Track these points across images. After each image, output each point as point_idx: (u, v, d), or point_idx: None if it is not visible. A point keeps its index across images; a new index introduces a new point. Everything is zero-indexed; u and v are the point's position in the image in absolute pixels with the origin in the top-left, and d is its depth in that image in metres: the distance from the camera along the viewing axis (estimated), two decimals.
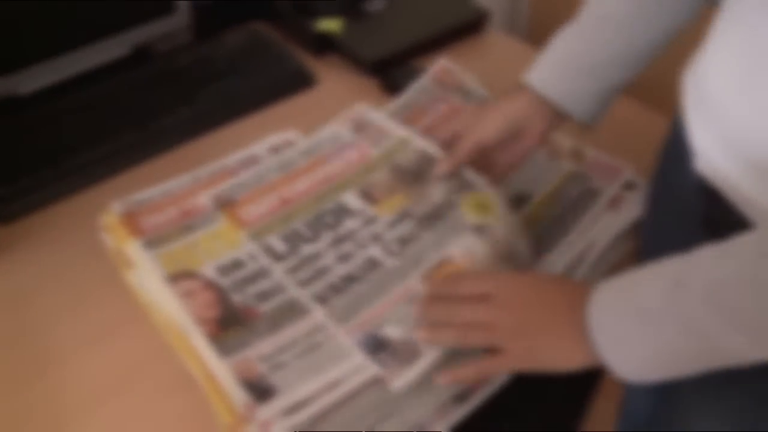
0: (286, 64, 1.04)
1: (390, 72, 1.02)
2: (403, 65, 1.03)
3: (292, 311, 0.68)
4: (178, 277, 0.71)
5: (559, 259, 0.77)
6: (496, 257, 0.71)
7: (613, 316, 0.56)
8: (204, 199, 0.78)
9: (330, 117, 0.93)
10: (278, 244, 0.74)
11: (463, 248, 0.71)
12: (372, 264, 0.71)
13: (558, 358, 0.60)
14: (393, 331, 0.65)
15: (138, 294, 0.72)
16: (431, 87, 0.98)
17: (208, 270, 0.72)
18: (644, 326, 0.54)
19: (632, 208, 0.82)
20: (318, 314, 0.68)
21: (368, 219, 0.76)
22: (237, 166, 0.84)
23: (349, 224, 0.75)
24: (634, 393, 0.81)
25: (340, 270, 0.71)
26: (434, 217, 0.75)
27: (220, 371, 0.63)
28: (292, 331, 0.66)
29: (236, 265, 0.72)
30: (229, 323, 0.67)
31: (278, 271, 0.72)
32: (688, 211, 0.62)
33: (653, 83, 0.98)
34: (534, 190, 0.84)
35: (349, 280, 0.70)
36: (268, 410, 0.60)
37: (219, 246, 0.74)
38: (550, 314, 0.61)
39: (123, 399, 0.66)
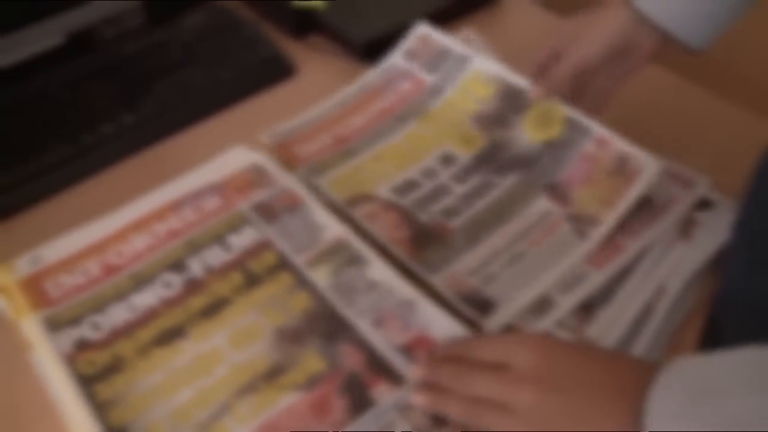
0: (259, 50, 0.84)
1: (385, 56, 0.81)
2: None
3: (484, 225, 0.64)
4: (355, 200, 0.65)
5: (618, 315, 0.57)
6: None
7: (685, 425, 0.40)
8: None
9: None
10: None
11: None
12: None
13: None
14: None
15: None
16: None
17: (383, 191, 0.66)
18: None
19: (711, 237, 0.62)
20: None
21: None
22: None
23: None
24: None
25: None
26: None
27: None
28: (493, 243, 0.62)
29: (411, 185, 0.67)
30: (425, 241, 0.62)
31: (458, 189, 0.67)
32: None
33: (732, 72, 0.78)
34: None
35: None
36: (494, 323, 0.55)
37: (386, 168, 0.69)
38: (588, 401, 0.45)
39: None
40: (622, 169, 0.65)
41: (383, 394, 0.50)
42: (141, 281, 0.57)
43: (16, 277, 0.56)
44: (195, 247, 0.59)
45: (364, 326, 0.54)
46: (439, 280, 0.59)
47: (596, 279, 0.59)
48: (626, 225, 0.62)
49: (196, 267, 0.58)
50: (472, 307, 0.57)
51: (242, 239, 0.60)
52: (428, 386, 0.50)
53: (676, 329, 0.58)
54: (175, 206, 0.62)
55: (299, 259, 0.58)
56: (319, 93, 0.78)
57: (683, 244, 0.62)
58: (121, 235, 0.60)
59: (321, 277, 0.57)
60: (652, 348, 0.56)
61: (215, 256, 0.58)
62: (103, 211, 0.63)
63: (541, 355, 0.47)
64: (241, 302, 0.56)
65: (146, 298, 0.56)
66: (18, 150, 0.71)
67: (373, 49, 0.82)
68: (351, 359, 0.52)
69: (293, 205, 0.62)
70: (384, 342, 0.53)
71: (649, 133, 0.67)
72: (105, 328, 0.54)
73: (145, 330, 0.54)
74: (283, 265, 0.58)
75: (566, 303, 0.57)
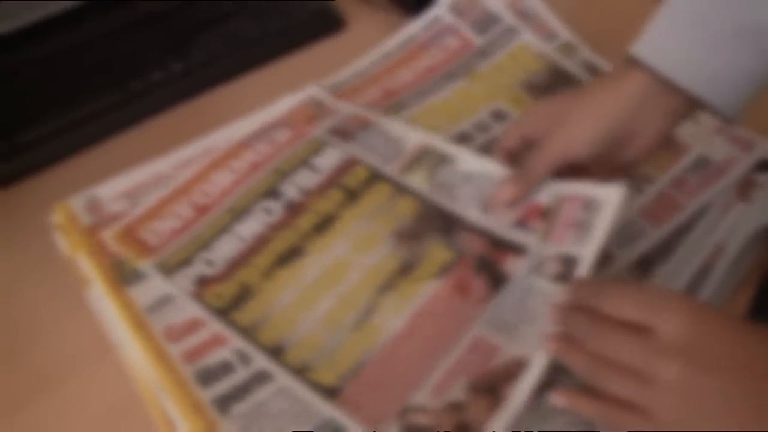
0: (309, 3, 0.82)
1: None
2: None
3: None
4: None
5: (676, 272, 0.56)
6: None
7: None
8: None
9: None
10: None
11: None
12: None
13: None
14: None
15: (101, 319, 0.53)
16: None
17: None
18: None
19: None
20: None
21: None
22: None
23: None
24: None
25: None
26: None
27: None
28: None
29: (464, 137, 0.65)
30: None
31: None
32: None
33: None
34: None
35: None
36: None
37: (438, 121, 0.65)
38: (747, 387, 0.39)
39: None
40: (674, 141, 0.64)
41: (514, 264, 0.52)
42: (239, 213, 0.56)
43: (114, 230, 0.55)
44: (283, 173, 0.58)
45: (474, 215, 0.55)
46: None
47: (655, 235, 0.58)
48: (685, 184, 0.61)
49: (291, 191, 0.57)
50: None
51: (328, 159, 0.59)
52: (559, 333, 0.46)
53: (733, 290, 0.57)
54: (247, 144, 0.61)
55: (390, 169, 0.58)
56: (368, 47, 0.77)
57: (742, 204, 0.60)
58: (202, 176, 0.59)
59: (417, 181, 0.57)
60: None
61: (307, 179, 0.58)
62: (152, 156, 0.63)
63: (694, 324, 0.40)
64: (348, 215, 0.56)
65: (251, 227, 0.55)
66: (67, 96, 0.71)
67: (424, 4, 0.81)
68: (474, 244, 0.54)
69: (366, 125, 0.61)
70: (498, 223, 0.54)
71: None
72: (219, 262, 0.54)
73: (261, 256, 0.54)
74: (376, 176, 0.58)
75: (625, 257, 0.57)
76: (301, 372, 0.47)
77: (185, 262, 0.54)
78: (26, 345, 0.54)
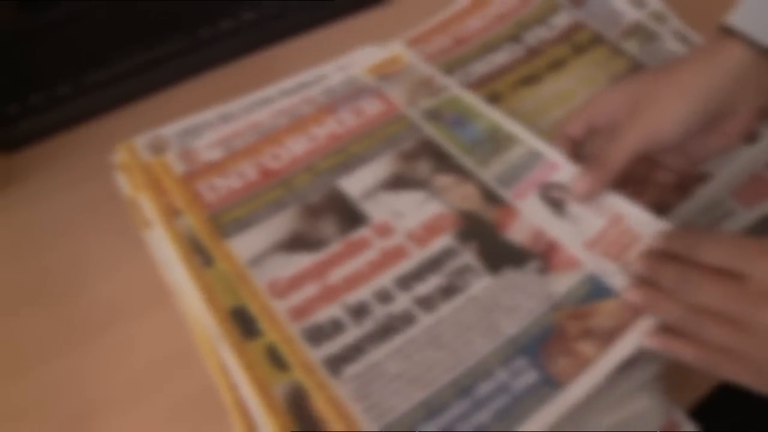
0: None
1: None
2: None
3: None
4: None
5: None
6: None
7: None
8: None
9: None
10: None
11: None
12: None
13: None
14: None
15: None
16: None
17: None
18: None
19: None
20: None
21: None
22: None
23: None
24: None
25: None
26: None
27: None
28: None
29: None
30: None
31: None
32: None
33: None
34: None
35: None
36: None
37: None
38: None
39: (137, 411, 0.47)
40: None
41: None
42: (491, 48, 0.68)
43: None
44: (524, 25, 0.70)
45: None
46: None
47: (744, 216, 0.54)
48: None
49: (530, 39, 0.69)
50: None
51: (561, 20, 0.71)
52: (645, 283, 0.44)
53: None
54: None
55: (609, 35, 0.69)
56: (417, 17, 0.73)
57: None
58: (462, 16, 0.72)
59: (630, 47, 0.68)
60: None
61: (543, 32, 0.70)
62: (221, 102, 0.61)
63: None
64: (575, 62, 0.67)
65: (499, 57, 0.67)
66: (135, 40, 0.70)
67: None
68: None
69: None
70: None
71: None
72: (474, 75, 0.66)
73: (507, 76, 0.66)
74: (598, 39, 0.69)
75: None
76: None
77: (449, 72, 0.65)
78: (76, 289, 0.54)
